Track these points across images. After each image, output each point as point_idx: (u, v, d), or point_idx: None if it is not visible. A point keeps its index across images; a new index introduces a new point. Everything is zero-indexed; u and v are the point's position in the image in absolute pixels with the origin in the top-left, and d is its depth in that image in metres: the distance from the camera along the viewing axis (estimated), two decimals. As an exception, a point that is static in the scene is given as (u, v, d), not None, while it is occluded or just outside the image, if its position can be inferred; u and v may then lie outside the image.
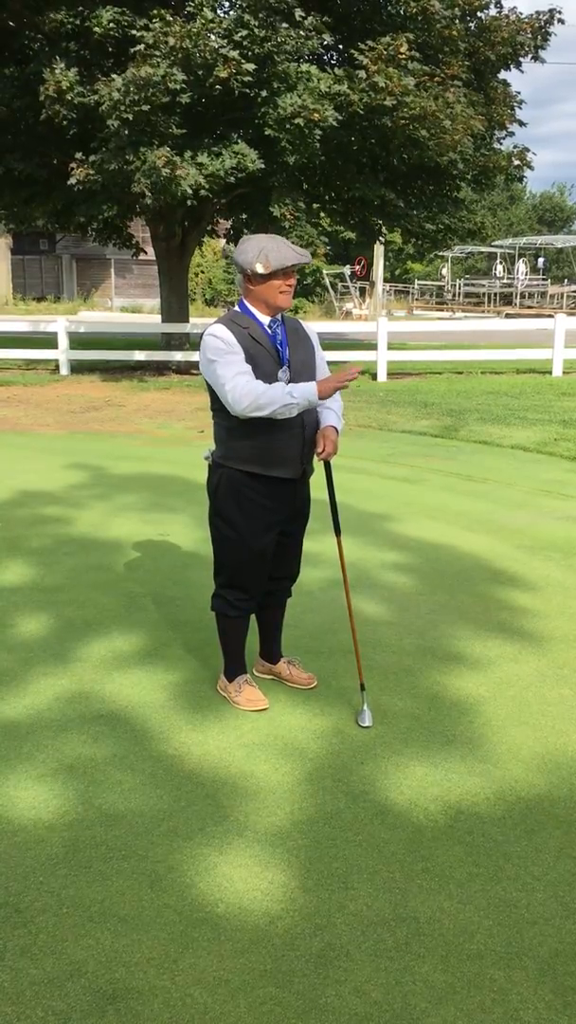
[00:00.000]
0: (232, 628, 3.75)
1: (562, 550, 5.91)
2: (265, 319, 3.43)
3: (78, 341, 18.59)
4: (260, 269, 3.31)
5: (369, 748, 3.45)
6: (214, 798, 3.12)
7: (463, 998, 2.29)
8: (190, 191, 12.57)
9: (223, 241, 21.46)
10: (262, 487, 3.48)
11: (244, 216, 16.88)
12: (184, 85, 12.29)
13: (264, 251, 3.30)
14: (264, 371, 3.37)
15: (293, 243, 3.82)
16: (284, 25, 12.82)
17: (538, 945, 2.47)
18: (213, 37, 12.34)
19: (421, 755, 3.40)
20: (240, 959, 2.41)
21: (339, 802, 3.10)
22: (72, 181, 13.28)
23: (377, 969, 2.38)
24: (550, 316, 19.07)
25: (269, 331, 3.43)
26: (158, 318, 19.12)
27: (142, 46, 12.16)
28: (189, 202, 13.14)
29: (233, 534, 3.55)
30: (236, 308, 3.49)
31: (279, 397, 3.26)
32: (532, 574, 5.45)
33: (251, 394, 3.26)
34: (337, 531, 3.80)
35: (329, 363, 3.74)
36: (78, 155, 13.35)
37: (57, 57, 12.94)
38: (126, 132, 12.34)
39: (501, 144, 16.91)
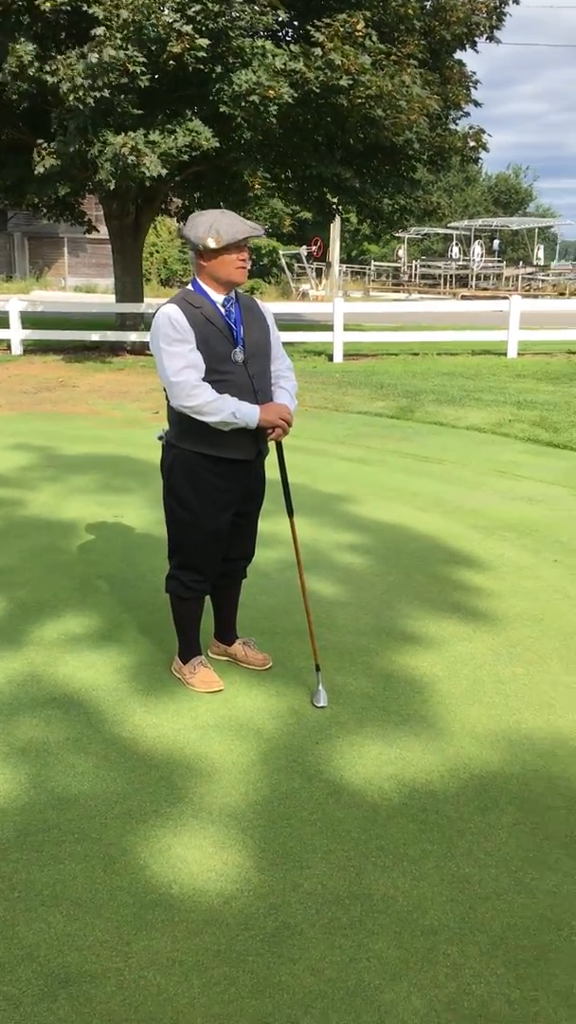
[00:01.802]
0: (187, 610, 3.72)
1: (516, 530, 5.96)
2: (219, 297, 3.39)
3: (30, 321, 18.30)
4: (212, 244, 3.26)
5: (324, 728, 3.46)
6: (168, 780, 3.11)
7: (416, 973, 2.31)
8: (151, 173, 12.39)
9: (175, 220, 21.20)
10: (216, 468, 3.45)
11: (198, 195, 16.68)
12: (144, 68, 12.08)
13: (214, 225, 3.25)
14: (217, 352, 3.33)
15: (258, 218, 3.78)
16: (238, 0, 12.64)
17: (491, 920, 2.49)
18: (166, 11, 12.12)
19: (376, 734, 3.42)
20: (194, 940, 2.40)
21: (294, 782, 3.11)
22: (40, 171, 13.04)
23: (331, 947, 2.39)
24: (505, 298, 19.18)
25: (223, 310, 3.38)
26: (112, 298, 18.88)
27: (102, 29, 11.89)
28: (147, 183, 12.96)
29: (187, 515, 3.51)
30: (189, 287, 3.44)
31: (224, 414, 3.29)
32: (486, 554, 5.49)
33: (197, 399, 3.27)
34: (290, 512, 3.79)
35: (285, 344, 3.70)
36: (40, 141, 13.10)
37: (16, 33, 12.61)
38: (87, 113, 12.12)
39: (456, 124, 16.91)
